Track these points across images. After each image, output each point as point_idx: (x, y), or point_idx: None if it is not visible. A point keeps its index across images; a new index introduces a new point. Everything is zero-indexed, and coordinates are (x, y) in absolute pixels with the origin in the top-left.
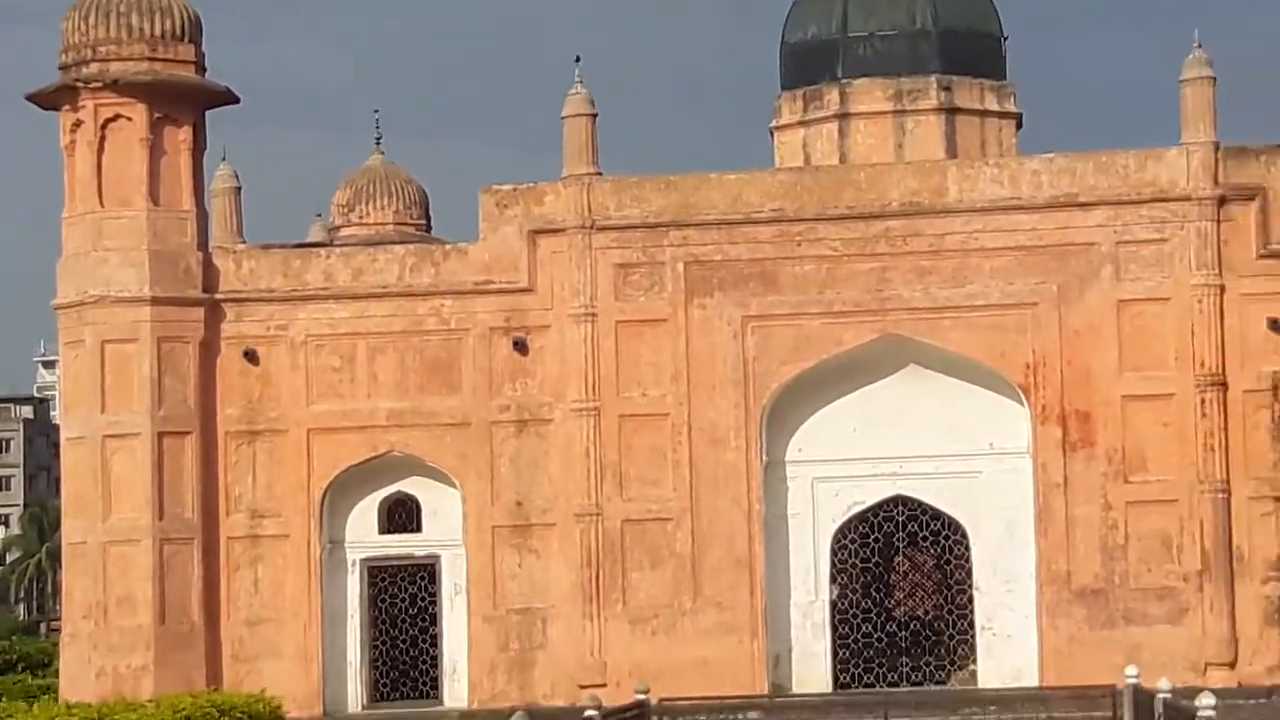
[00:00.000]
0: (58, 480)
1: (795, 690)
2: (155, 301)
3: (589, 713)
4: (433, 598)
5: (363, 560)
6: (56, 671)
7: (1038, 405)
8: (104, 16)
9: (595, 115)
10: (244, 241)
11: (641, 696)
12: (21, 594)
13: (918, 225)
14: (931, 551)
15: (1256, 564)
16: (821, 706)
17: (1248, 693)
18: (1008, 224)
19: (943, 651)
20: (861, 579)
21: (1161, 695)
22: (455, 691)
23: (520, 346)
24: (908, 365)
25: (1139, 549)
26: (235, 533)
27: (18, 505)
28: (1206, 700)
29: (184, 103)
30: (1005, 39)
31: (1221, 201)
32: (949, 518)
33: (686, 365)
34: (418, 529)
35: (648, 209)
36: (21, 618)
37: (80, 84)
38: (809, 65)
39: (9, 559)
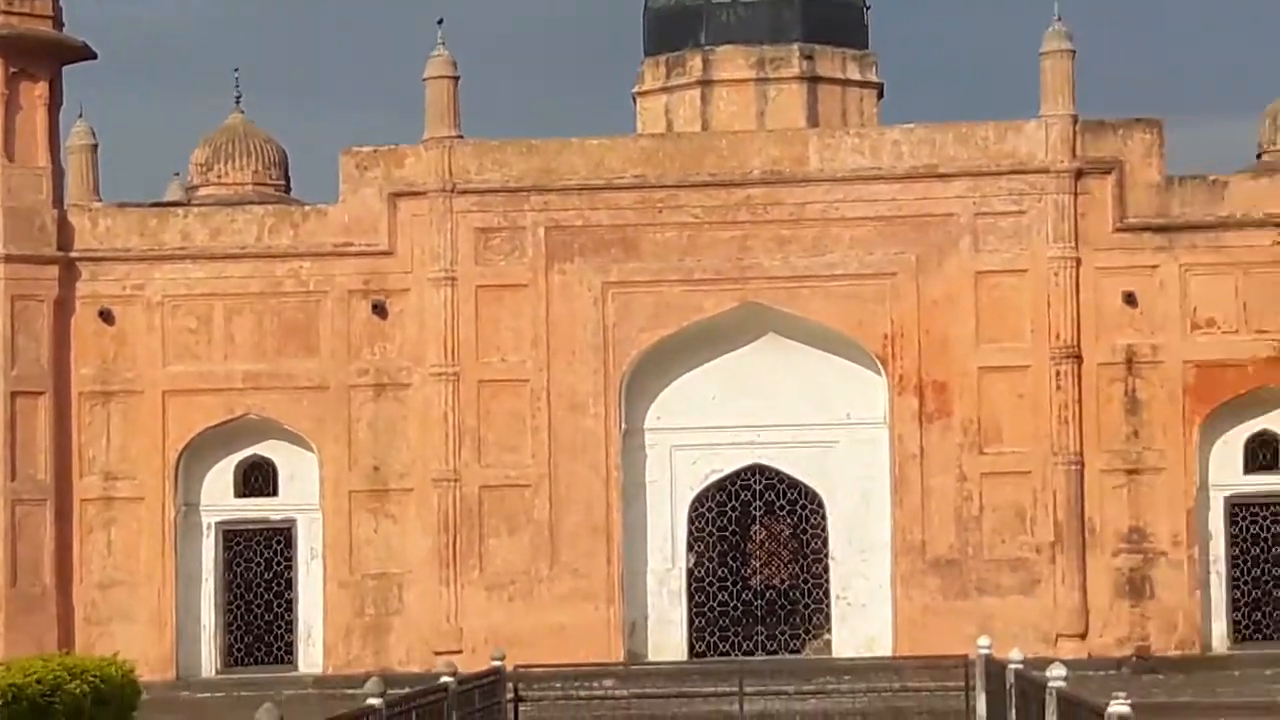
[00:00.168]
0: None
1: (651, 658)
2: (9, 259)
3: (444, 679)
4: (288, 562)
5: (218, 524)
6: None
7: (895, 375)
8: None
9: (457, 78)
10: (100, 200)
11: (497, 663)
12: None
13: (779, 194)
14: (788, 520)
15: (1108, 536)
16: (676, 674)
17: (1098, 664)
18: (868, 194)
19: (798, 620)
20: (718, 547)
21: (1013, 666)
22: (310, 657)
23: (379, 310)
24: (767, 334)
25: (993, 520)
26: (89, 495)
27: None
28: (1057, 671)
29: (40, 58)
30: (868, 8)
31: (1079, 175)
32: (806, 487)
33: (546, 331)
34: (274, 493)
35: (509, 173)
36: None
37: None
38: (672, 31)
39: None
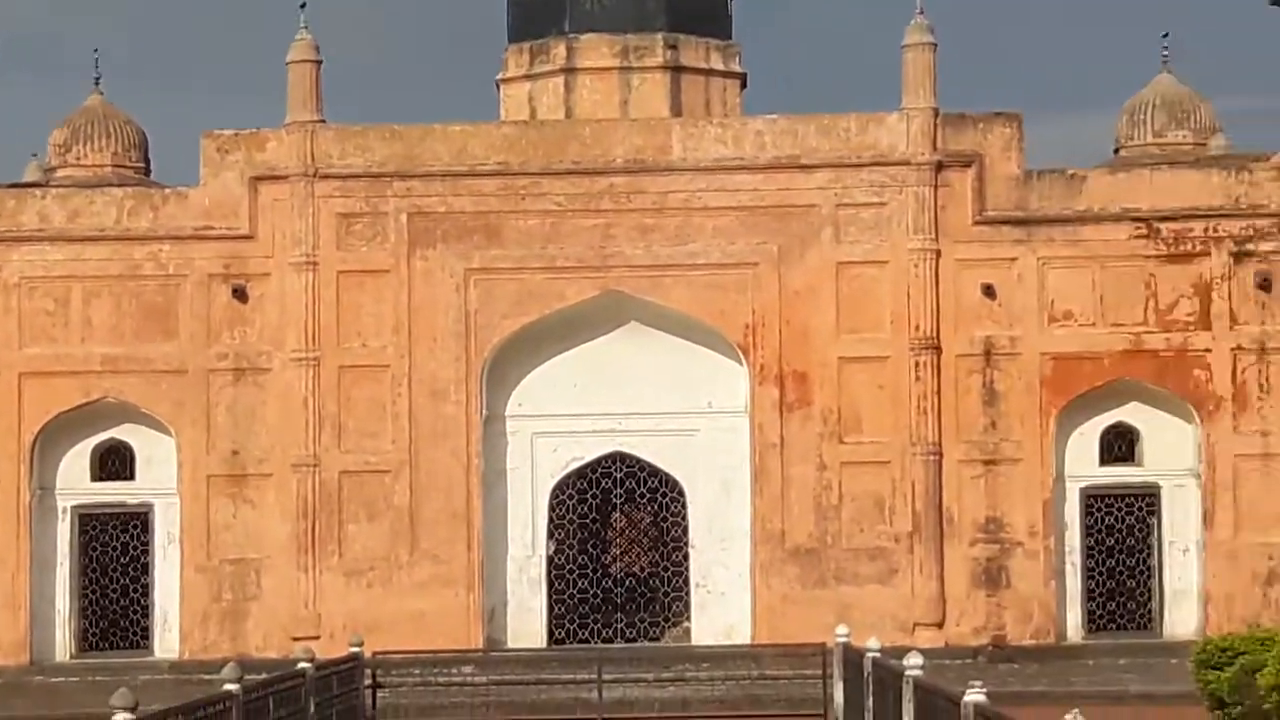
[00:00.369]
0: None
1: (510, 644)
2: None
3: (301, 664)
4: (145, 547)
5: (74, 508)
6: None
7: (756, 365)
8: None
9: (320, 62)
10: None
11: (355, 649)
12: None
13: (641, 183)
14: (649, 509)
15: (965, 526)
16: (535, 661)
17: (954, 653)
18: (730, 184)
19: (657, 608)
20: (579, 535)
21: (870, 654)
22: (166, 642)
23: (239, 294)
24: (629, 322)
25: (852, 509)
26: None
27: None
28: (914, 660)
29: None
30: None
31: (939, 167)
32: (666, 475)
33: (408, 317)
34: (131, 477)
35: (371, 158)
36: None
37: None
38: (536, 19)
39: None
